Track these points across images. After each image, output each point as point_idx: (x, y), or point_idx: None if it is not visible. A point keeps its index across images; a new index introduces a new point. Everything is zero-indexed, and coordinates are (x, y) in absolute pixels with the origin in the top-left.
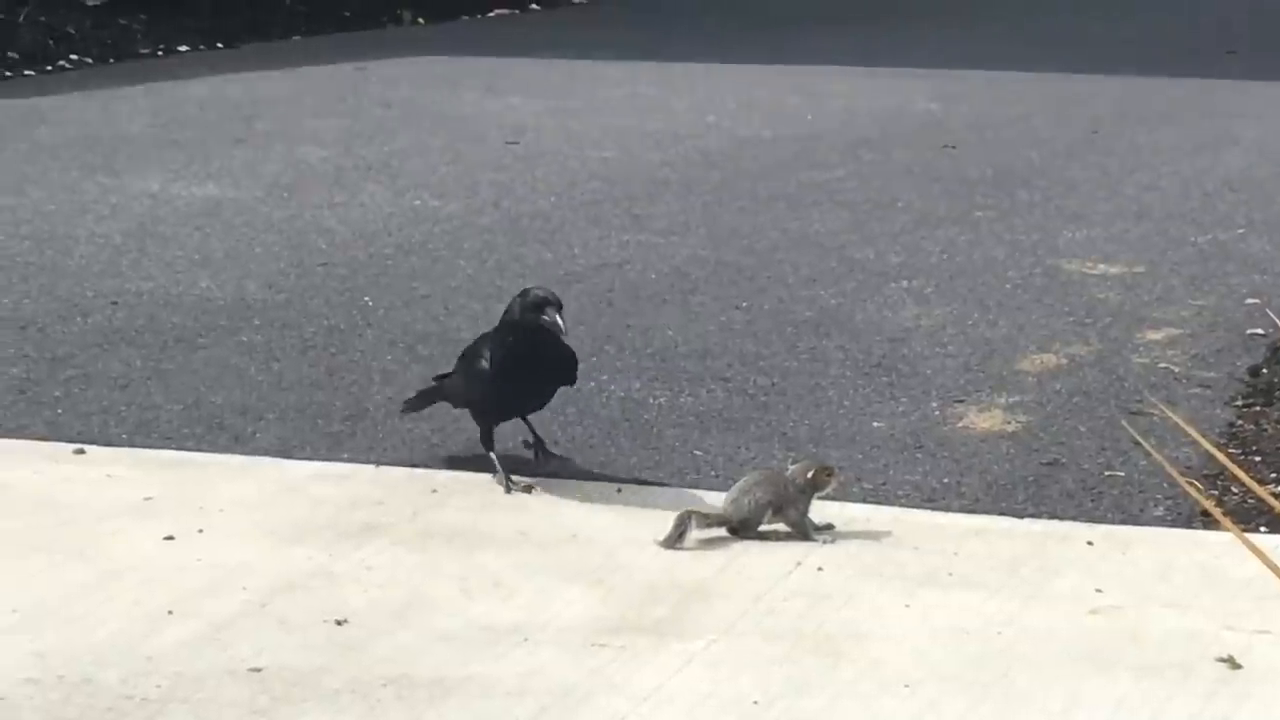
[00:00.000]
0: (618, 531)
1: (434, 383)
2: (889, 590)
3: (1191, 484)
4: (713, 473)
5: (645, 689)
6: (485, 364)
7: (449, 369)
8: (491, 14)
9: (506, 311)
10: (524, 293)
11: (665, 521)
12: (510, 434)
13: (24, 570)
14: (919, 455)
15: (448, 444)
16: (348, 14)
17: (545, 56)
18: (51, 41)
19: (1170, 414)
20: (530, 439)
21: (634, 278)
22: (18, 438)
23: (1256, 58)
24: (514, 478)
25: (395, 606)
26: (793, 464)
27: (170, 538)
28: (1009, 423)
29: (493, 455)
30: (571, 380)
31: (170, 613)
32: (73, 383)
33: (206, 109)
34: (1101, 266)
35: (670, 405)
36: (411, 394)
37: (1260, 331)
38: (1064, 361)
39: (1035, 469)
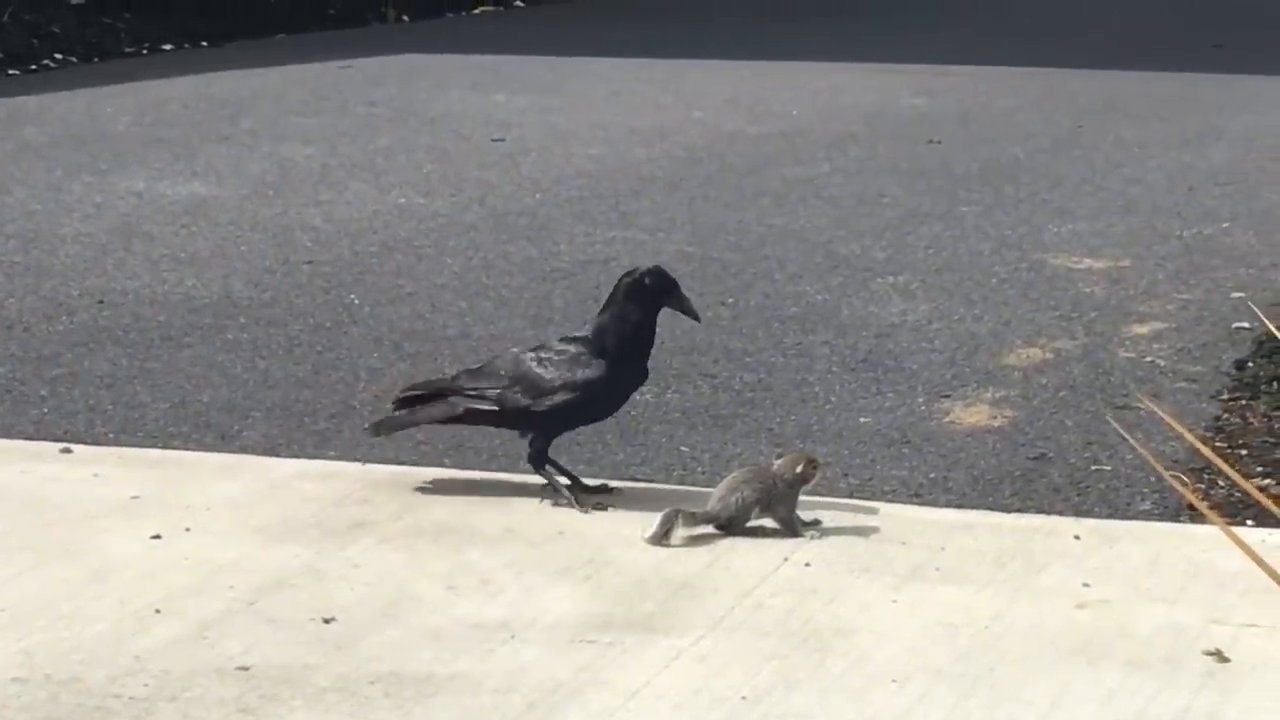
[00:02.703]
0: (605, 528)
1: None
2: (876, 585)
3: (1178, 478)
4: (700, 469)
5: (633, 685)
6: (590, 359)
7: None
8: (476, 11)
9: (629, 294)
10: (649, 273)
11: (652, 519)
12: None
13: (11, 569)
14: (905, 450)
15: (434, 441)
16: (332, 11)
17: (530, 53)
18: (35, 40)
19: (1156, 408)
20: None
21: (620, 274)
22: (4, 437)
23: (1243, 51)
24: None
25: (383, 604)
26: (778, 458)
27: (157, 536)
28: (995, 417)
29: (552, 474)
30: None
31: (158, 611)
32: (59, 382)
33: (191, 108)
34: (1087, 261)
35: (656, 402)
36: (388, 411)
37: (1245, 325)
38: (1050, 356)
39: (1022, 464)
